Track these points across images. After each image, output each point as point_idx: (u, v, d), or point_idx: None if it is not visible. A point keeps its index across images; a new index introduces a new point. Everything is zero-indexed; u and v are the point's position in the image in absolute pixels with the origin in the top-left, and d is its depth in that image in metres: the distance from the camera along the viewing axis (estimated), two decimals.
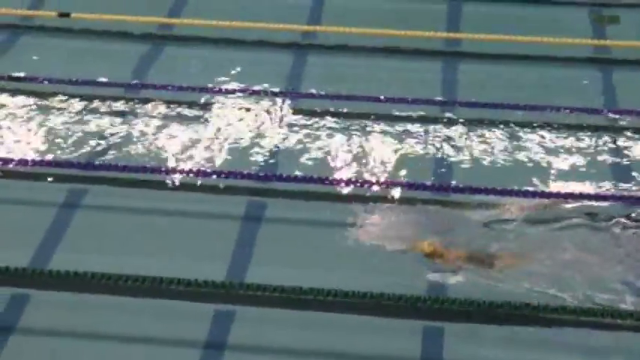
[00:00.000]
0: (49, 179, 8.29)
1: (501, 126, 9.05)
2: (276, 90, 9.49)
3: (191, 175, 8.34)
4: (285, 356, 6.80)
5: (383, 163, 8.56)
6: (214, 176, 8.33)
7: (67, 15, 10.32)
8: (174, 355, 6.75)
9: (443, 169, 8.55)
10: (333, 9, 10.87)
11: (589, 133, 8.95)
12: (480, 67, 10.00)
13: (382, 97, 9.35)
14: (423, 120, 9.12)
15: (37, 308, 7.03)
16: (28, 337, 6.83)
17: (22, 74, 9.54)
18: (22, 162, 8.43)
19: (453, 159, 8.66)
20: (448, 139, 8.91)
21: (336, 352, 6.82)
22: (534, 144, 8.85)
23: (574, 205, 7.99)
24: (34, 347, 6.76)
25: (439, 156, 8.71)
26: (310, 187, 8.23)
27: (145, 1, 10.80)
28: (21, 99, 9.31)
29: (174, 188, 8.24)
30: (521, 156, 8.70)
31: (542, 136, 8.94)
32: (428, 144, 8.82)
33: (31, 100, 9.28)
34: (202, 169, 8.42)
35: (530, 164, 8.62)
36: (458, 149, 8.77)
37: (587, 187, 8.24)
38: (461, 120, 9.13)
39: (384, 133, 8.96)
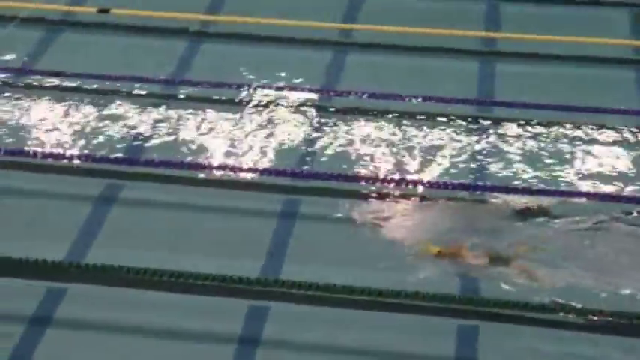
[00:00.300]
0: (85, 174, 8.37)
1: (537, 126, 9.03)
2: (314, 87, 9.53)
3: (227, 171, 8.38)
4: (318, 353, 6.80)
5: (419, 161, 8.56)
6: (250, 173, 8.38)
7: (106, 11, 10.39)
8: (207, 350, 6.77)
9: (476, 167, 8.55)
10: (370, 7, 10.88)
11: (630, 134, 8.92)
12: (517, 67, 9.97)
13: (419, 96, 9.36)
14: (459, 119, 9.11)
15: (73, 302, 7.09)
16: (63, 331, 6.88)
17: (61, 70, 9.64)
18: (59, 156, 8.51)
19: (486, 158, 8.65)
20: (484, 138, 8.90)
21: (370, 350, 6.82)
22: (570, 144, 8.82)
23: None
24: (68, 340, 6.81)
25: (473, 155, 8.69)
26: (343, 186, 8.24)
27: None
28: (59, 94, 9.41)
29: (210, 184, 8.28)
30: (557, 155, 8.68)
31: (580, 137, 8.91)
32: (463, 143, 8.81)
33: (69, 95, 9.38)
34: (238, 165, 8.46)
35: (565, 164, 8.61)
36: (493, 148, 8.76)
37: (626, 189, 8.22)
38: (497, 119, 9.11)
39: (420, 132, 8.95)
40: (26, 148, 8.55)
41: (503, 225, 7.71)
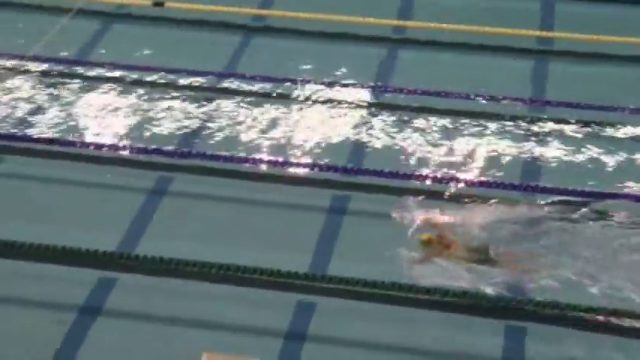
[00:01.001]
0: (138, 166, 8.44)
1: (589, 126, 8.98)
2: (367, 84, 9.54)
3: (278, 166, 8.41)
4: (364, 349, 6.81)
5: (470, 159, 8.53)
6: (302, 168, 8.40)
7: (161, 4, 10.44)
8: (256, 342, 6.81)
9: (530, 167, 8.50)
10: (425, 4, 10.87)
11: None
12: (570, 66, 9.90)
13: (472, 95, 9.34)
14: (512, 118, 9.06)
15: (124, 291, 7.15)
16: (113, 319, 6.95)
17: (112, 61, 9.73)
18: (114, 147, 8.59)
19: (540, 157, 8.61)
20: (535, 136, 8.86)
21: (417, 347, 6.82)
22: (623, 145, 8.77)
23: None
24: (118, 329, 6.89)
25: (527, 154, 8.65)
26: (393, 182, 8.24)
27: None
28: (110, 85, 9.48)
29: (261, 179, 8.31)
30: (608, 157, 8.63)
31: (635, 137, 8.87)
32: (516, 141, 8.77)
33: (122, 87, 9.47)
34: (290, 160, 8.48)
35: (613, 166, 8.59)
36: (545, 147, 8.72)
37: None
38: (550, 118, 9.06)
39: (472, 130, 8.93)
40: (77, 139, 8.65)
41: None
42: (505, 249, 7.44)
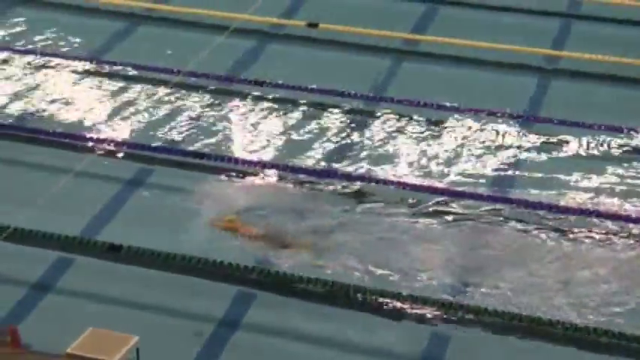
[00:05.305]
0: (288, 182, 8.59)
1: None
2: (512, 112, 9.44)
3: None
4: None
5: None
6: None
7: (315, 25, 10.56)
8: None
9: None
10: (579, 34, 10.70)
11: None
12: None
13: (624, 127, 9.16)
14: None
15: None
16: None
17: (266, 80, 9.89)
18: (258, 164, 8.75)
19: None
20: None
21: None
22: None
23: None
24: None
25: None
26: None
27: (390, 17, 10.94)
28: (263, 104, 9.64)
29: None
30: None
31: None
32: None
33: (270, 105, 9.61)
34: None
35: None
36: None
37: None
38: None
39: (621, 163, 8.77)
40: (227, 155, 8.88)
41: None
42: (300, 234, 7.87)
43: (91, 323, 6.64)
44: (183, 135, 9.17)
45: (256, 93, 9.77)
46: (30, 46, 10.53)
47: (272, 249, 7.77)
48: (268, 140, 9.10)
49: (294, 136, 9.19)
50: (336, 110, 9.53)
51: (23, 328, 6.78)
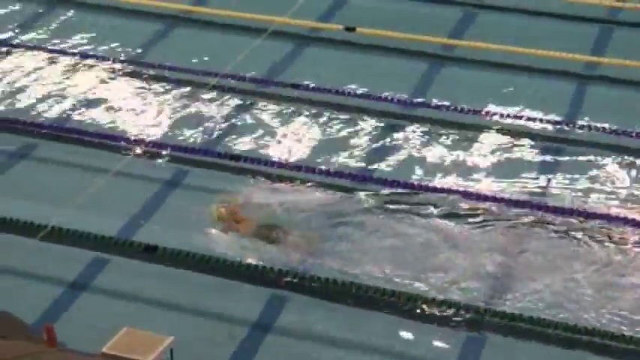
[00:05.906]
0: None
1: None
2: (553, 119, 9.39)
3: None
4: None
5: None
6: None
7: (352, 29, 10.56)
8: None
9: None
10: (619, 39, 10.63)
11: None
12: None
13: None
14: None
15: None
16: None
17: (302, 83, 9.90)
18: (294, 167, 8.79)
19: None
20: None
21: None
22: None
23: None
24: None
25: None
26: None
27: (427, 21, 10.93)
28: (298, 106, 9.64)
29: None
30: None
31: None
32: None
33: (310, 108, 9.61)
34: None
35: None
36: None
37: None
38: None
39: None
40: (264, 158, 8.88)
41: None
42: (295, 232, 7.90)
43: (125, 323, 6.67)
44: (219, 137, 9.20)
45: (293, 95, 9.78)
46: (68, 48, 10.59)
47: (269, 244, 7.82)
48: (303, 143, 9.11)
49: (329, 139, 9.19)
50: (371, 114, 9.53)
51: (59, 326, 6.78)
